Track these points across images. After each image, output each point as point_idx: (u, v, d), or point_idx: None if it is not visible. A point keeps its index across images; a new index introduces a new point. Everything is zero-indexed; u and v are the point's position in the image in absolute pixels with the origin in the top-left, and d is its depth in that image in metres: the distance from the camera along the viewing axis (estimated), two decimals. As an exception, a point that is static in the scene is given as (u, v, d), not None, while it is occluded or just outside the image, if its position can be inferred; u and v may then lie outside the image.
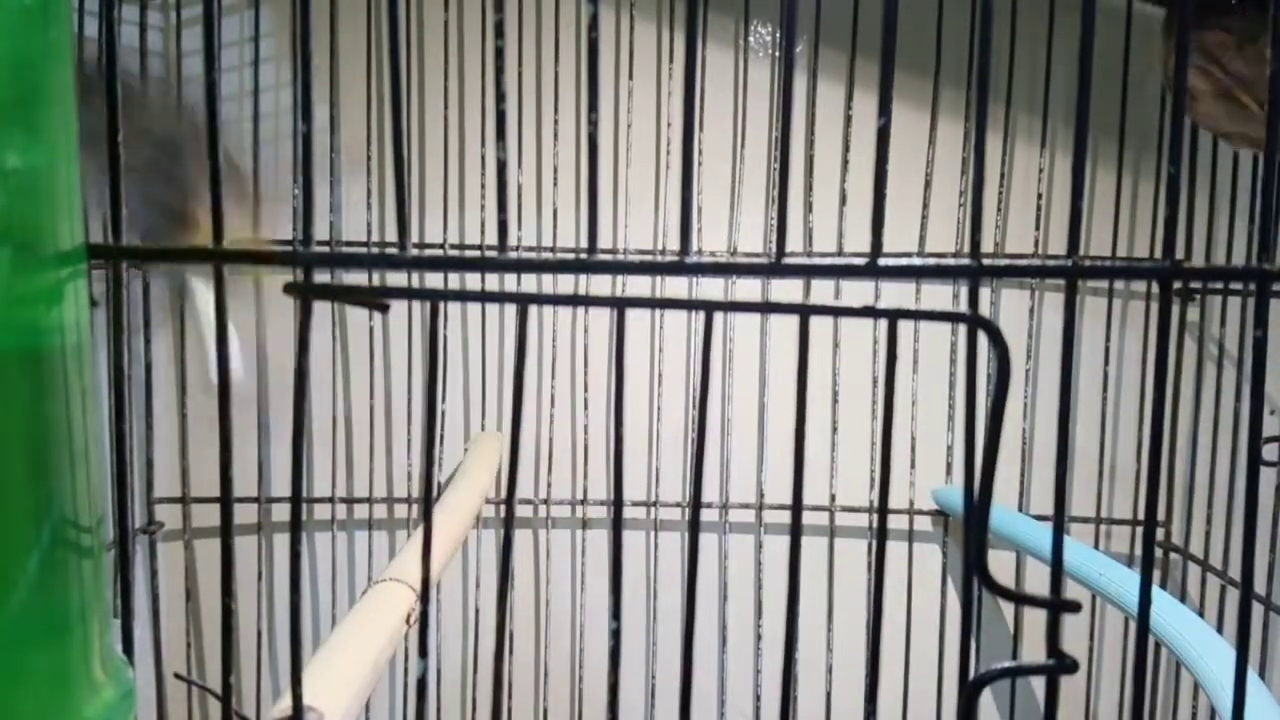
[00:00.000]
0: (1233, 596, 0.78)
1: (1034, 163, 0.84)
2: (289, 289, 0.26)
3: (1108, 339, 0.85)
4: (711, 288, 0.82)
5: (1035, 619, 0.86)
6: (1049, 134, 0.83)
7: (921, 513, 0.87)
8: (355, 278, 0.77)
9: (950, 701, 0.86)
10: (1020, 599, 0.28)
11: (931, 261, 0.28)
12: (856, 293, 0.81)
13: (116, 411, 0.28)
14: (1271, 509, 0.74)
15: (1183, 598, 0.84)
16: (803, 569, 0.85)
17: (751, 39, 0.84)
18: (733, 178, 0.85)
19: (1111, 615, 0.86)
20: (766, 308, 0.26)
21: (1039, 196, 0.84)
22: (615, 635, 0.27)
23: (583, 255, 0.27)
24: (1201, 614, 0.79)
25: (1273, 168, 0.29)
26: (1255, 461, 0.30)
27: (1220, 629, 0.75)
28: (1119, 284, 0.86)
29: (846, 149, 0.83)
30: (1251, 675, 0.52)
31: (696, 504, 0.28)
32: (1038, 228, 0.84)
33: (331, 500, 0.84)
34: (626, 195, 0.84)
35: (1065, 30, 0.82)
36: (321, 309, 0.83)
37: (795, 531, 0.28)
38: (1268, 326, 0.29)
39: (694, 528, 0.28)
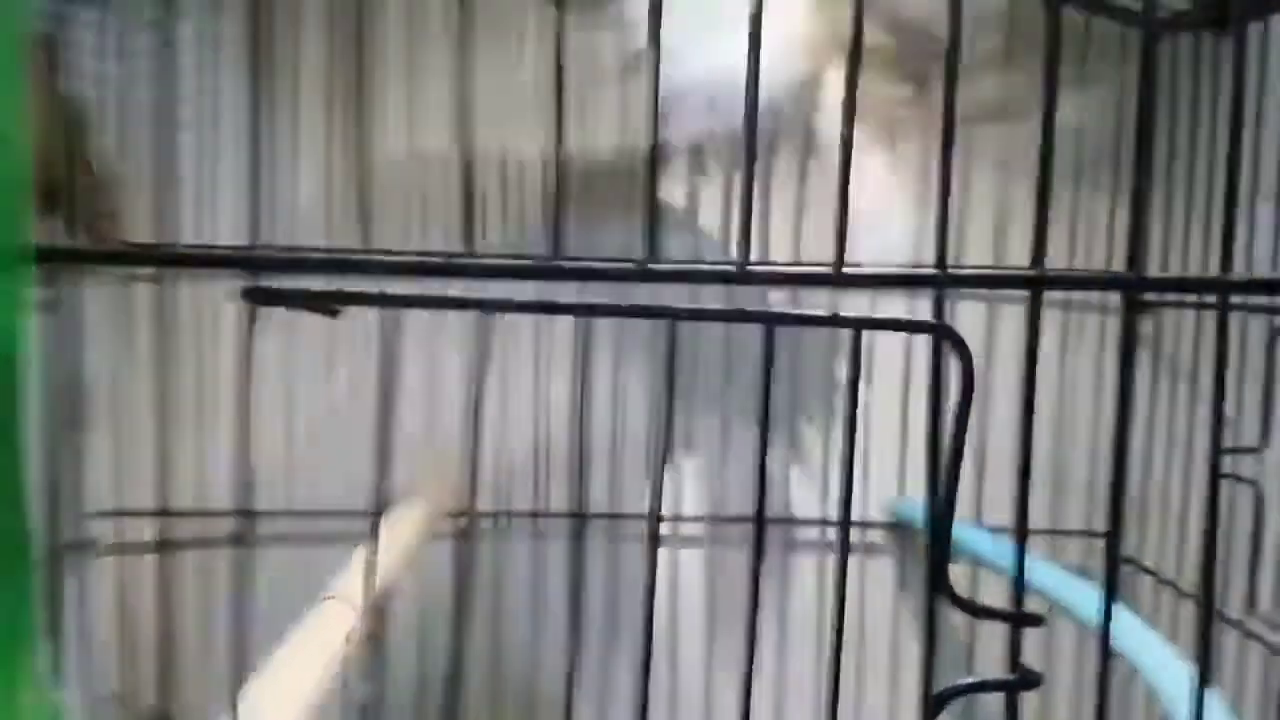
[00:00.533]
0: (1186, 608, 0.79)
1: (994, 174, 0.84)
2: (241, 294, 0.26)
3: (1063, 349, 0.85)
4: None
5: (989, 629, 0.86)
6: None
7: (875, 525, 0.87)
8: (310, 283, 0.76)
9: (906, 717, 0.85)
10: (981, 612, 0.28)
11: (898, 270, 0.28)
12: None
13: (51, 421, 0.27)
14: (1224, 521, 0.75)
15: (1135, 610, 0.85)
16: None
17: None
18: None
19: (1064, 627, 0.86)
20: (733, 316, 0.26)
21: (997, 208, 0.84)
22: (573, 651, 0.26)
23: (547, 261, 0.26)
24: (1154, 626, 0.80)
25: (1233, 182, 0.29)
26: (1215, 475, 0.30)
27: (1175, 639, 0.76)
28: (1073, 296, 0.86)
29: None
30: (1210, 691, 0.53)
31: (656, 516, 0.28)
32: (997, 241, 0.85)
33: (277, 513, 0.82)
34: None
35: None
36: (274, 310, 0.81)
37: (758, 544, 0.27)
38: (1228, 337, 0.29)
39: (654, 540, 0.28)
